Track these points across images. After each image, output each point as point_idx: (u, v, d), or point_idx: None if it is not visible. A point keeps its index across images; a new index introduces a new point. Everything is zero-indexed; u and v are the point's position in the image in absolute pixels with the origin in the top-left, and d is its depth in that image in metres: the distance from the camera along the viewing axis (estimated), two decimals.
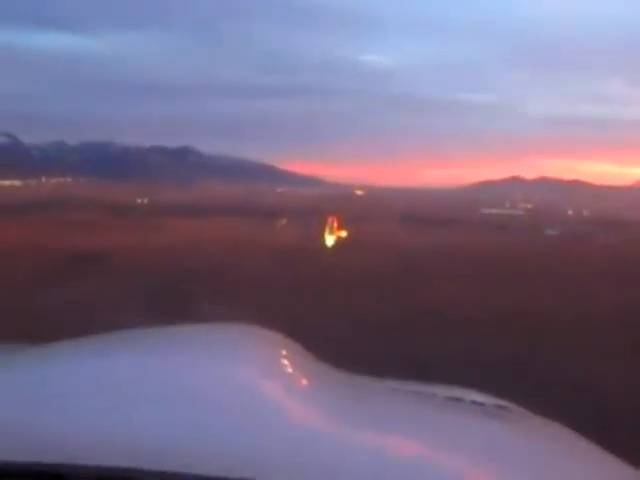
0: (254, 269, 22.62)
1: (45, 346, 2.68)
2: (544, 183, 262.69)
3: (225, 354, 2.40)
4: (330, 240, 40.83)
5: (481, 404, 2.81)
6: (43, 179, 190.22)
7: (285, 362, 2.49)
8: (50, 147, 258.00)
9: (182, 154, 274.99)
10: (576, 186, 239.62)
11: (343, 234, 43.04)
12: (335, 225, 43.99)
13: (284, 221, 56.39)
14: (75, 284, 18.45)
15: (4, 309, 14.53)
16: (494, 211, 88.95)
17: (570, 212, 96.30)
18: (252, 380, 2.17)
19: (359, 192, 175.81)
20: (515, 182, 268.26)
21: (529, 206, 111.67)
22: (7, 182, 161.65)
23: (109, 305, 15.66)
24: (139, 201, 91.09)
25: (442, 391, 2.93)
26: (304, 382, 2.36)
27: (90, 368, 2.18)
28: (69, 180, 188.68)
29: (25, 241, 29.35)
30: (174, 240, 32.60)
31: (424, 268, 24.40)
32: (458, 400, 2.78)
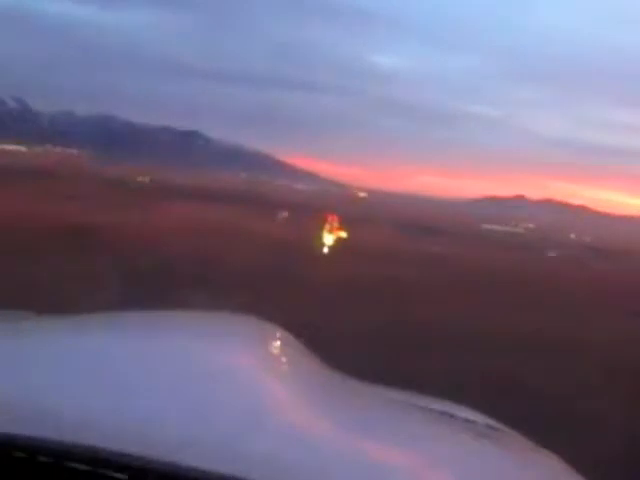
0: (241, 260, 22.00)
1: (49, 319, 2.81)
2: (549, 205, 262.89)
3: (222, 343, 2.43)
4: (328, 239, 40.28)
5: (473, 422, 2.78)
6: (48, 147, 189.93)
7: (280, 355, 2.57)
8: (59, 116, 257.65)
9: (189, 137, 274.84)
10: (581, 211, 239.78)
11: (342, 235, 42.53)
12: (335, 225, 43.45)
13: (284, 214, 56.12)
14: (45, 257, 17.87)
15: None
16: (496, 227, 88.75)
17: (573, 236, 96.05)
18: (246, 372, 2.19)
19: (361, 194, 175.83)
20: (520, 201, 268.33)
21: (532, 226, 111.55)
22: (12, 147, 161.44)
23: (76, 281, 15.17)
24: (140, 179, 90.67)
25: (434, 405, 2.87)
26: (297, 378, 2.36)
27: (85, 347, 2.20)
28: (73, 151, 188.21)
29: (13, 209, 28.79)
30: (167, 222, 32.01)
31: (413, 277, 23.89)
32: (451, 416, 2.74)
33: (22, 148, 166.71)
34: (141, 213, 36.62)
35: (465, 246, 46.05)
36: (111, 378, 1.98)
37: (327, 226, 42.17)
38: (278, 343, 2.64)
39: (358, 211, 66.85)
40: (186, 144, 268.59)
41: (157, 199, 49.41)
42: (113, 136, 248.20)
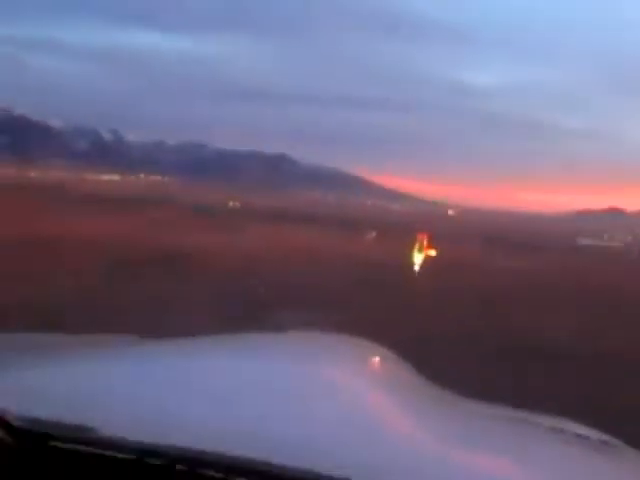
0: (331, 282, 21.95)
1: (153, 342, 2.95)
2: None
3: (327, 361, 2.55)
4: (418, 258, 39.87)
5: (585, 437, 2.73)
6: (141, 176, 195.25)
7: (381, 371, 2.65)
8: (150, 145, 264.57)
9: (278, 161, 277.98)
10: None
11: (432, 253, 42.02)
12: (425, 243, 42.98)
13: (373, 234, 55.97)
14: (141, 282, 18.17)
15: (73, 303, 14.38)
16: (591, 242, 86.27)
17: None
18: (351, 388, 2.29)
19: (451, 212, 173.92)
20: (615, 213, 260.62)
21: (630, 238, 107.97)
22: (106, 176, 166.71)
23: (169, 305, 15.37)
24: (230, 204, 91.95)
25: (546, 421, 2.87)
26: (404, 396, 2.39)
27: (196, 369, 2.33)
28: (165, 179, 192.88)
29: (110, 235, 29.55)
30: (257, 246, 32.34)
31: (506, 295, 23.27)
32: (562, 431, 2.71)
33: (116, 177, 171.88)
34: (233, 237, 37.10)
35: (560, 262, 44.87)
36: (223, 396, 2.09)
37: (417, 245, 41.76)
38: (378, 360, 2.74)
39: (451, 229, 66.07)
40: (275, 168, 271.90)
41: (248, 223, 50.00)
42: (203, 163, 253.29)
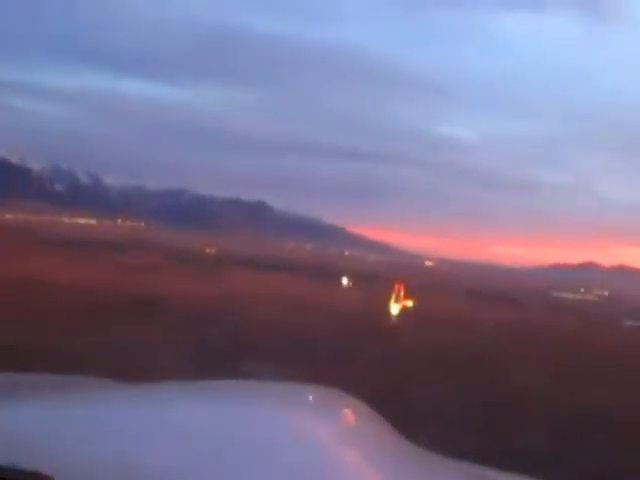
0: (304, 330, 21.48)
1: (128, 386, 2.87)
2: (622, 271, 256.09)
3: (303, 413, 2.54)
4: (395, 309, 39.52)
5: None
6: (119, 220, 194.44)
7: (359, 427, 2.61)
8: (129, 190, 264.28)
9: (256, 208, 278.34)
10: None
11: (409, 304, 41.71)
12: (401, 293, 42.68)
13: (349, 283, 55.83)
14: (113, 328, 17.68)
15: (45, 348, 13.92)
16: (567, 295, 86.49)
17: None
18: (326, 441, 2.27)
19: (428, 263, 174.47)
20: (591, 267, 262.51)
21: (605, 293, 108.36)
22: (83, 220, 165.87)
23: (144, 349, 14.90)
24: (207, 251, 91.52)
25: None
26: (379, 453, 2.36)
27: (169, 415, 2.29)
28: (143, 224, 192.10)
29: (85, 279, 29.08)
30: (228, 293, 31.84)
31: (483, 350, 22.82)
32: None
33: (92, 221, 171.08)
34: (206, 284, 36.61)
35: (535, 314, 44.71)
36: (196, 445, 2.06)
37: (393, 295, 41.46)
38: (358, 415, 2.70)
39: (428, 280, 65.92)
40: (253, 215, 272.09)
41: (223, 270, 49.54)
42: (182, 209, 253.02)
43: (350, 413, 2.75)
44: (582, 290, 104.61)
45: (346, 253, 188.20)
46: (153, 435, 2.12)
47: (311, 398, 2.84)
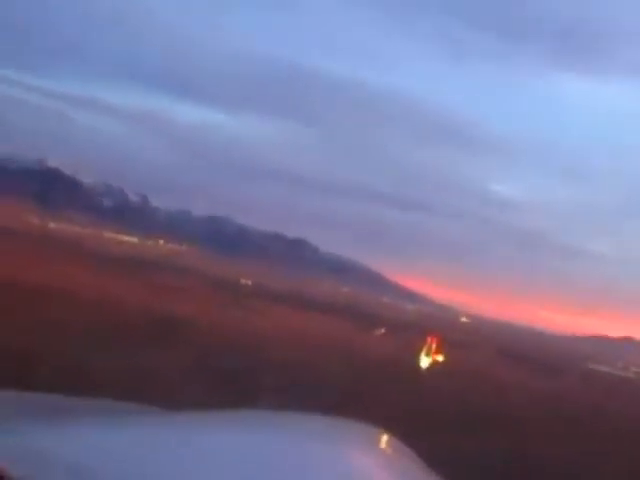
0: (330, 377, 20.74)
1: (172, 414, 3.05)
2: None
3: (335, 446, 2.55)
4: (425, 362, 38.59)
5: None
6: (161, 242, 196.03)
7: (389, 461, 2.65)
8: (176, 213, 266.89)
9: (297, 245, 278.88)
10: None
11: (440, 358, 40.75)
12: (433, 347, 41.73)
13: (382, 330, 55.16)
14: (137, 351, 17.26)
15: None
16: (604, 368, 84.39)
17: None
18: (357, 476, 2.32)
19: (464, 319, 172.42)
20: (629, 342, 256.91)
21: None
22: (124, 237, 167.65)
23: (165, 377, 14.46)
24: (243, 282, 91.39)
25: None
26: None
27: (213, 444, 2.29)
28: (184, 247, 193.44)
29: (111, 295, 28.88)
30: (258, 326, 31.30)
31: (508, 416, 21.85)
32: None
33: (135, 239, 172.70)
34: (237, 315, 36.23)
35: (568, 384, 43.32)
36: (227, 475, 2.11)
37: (425, 348, 40.59)
38: (389, 450, 2.75)
39: (461, 336, 64.71)
40: (293, 252, 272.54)
41: (256, 302, 49.17)
42: (224, 237, 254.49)
43: (386, 448, 2.79)
44: (620, 365, 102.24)
45: (382, 299, 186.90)
46: (182, 464, 2.12)
47: (340, 431, 2.87)
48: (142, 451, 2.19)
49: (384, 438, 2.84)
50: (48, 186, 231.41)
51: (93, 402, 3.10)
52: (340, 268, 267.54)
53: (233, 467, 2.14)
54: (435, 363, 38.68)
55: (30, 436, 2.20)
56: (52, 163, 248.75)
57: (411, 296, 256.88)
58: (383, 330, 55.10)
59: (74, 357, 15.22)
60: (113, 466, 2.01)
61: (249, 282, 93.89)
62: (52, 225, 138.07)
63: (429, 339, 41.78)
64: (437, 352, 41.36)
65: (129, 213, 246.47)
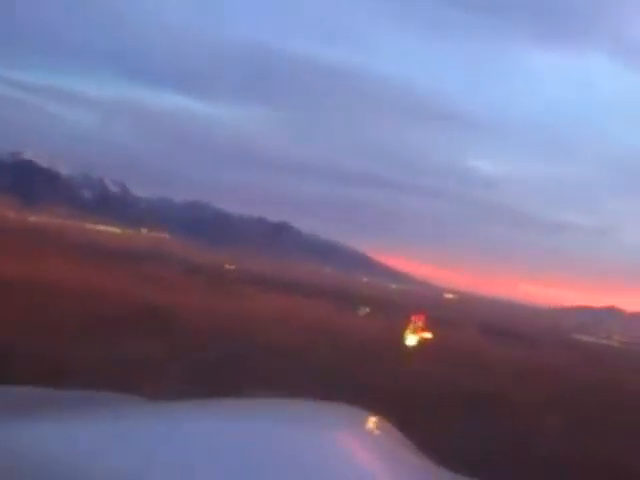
0: (311, 354, 20.85)
1: (154, 404, 3.06)
2: None
3: (326, 430, 2.59)
4: (411, 340, 38.77)
5: None
6: (143, 230, 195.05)
7: (379, 444, 2.68)
8: (156, 201, 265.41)
9: (279, 229, 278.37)
10: None
11: (426, 336, 40.92)
12: (419, 325, 41.88)
13: (366, 310, 55.21)
14: (123, 339, 17.30)
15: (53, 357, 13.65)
16: (587, 339, 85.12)
17: None
18: (347, 458, 2.35)
19: (449, 295, 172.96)
20: (612, 312, 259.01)
21: (625, 340, 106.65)
22: (107, 227, 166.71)
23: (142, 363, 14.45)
24: (227, 267, 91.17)
25: None
26: (394, 466, 2.46)
27: (192, 431, 2.29)
28: (167, 235, 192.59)
29: (94, 286, 28.79)
30: (243, 309, 31.33)
31: (496, 388, 22.02)
32: None
33: (117, 230, 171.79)
34: (222, 299, 36.20)
35: (553, 356, 43.68)
36: (218, 462, 2.10)
37: (410, 326, 40.74)
38: (377, 432, 2.76)
39: (446, 313, 64.99)
40: (276, 235, 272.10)
41: (240, 286, 49.14)
42: (207, 224, 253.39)
43: (374, 431, 2.80)
44: (603, 334, 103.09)
45: (365, 279, 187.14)
46: (175, 452, 2.11)
47: (329, 414, 2.90)
48: (130, 441, 2.20)
49: (372, 420, 2.86)
50: (24, 179, 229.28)
51: (75, 393, 3.08)
52: (323, 250, 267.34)
53: (222, 454, 2.16)
54: (421, 340, 38.84)
55: (11, 430, 2.18)
56: (27, 156, 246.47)
57: (395, 275, 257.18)
58: (368, 309, 55.15)
59: (61, 347, 15.23)
60: (100, 461, 2.01)
61: (232, 267, 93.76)
62: (32, 218, 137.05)
63: (414, 317, 41.93)
64: (422, 330, 41.52)
65: (109, 203, 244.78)
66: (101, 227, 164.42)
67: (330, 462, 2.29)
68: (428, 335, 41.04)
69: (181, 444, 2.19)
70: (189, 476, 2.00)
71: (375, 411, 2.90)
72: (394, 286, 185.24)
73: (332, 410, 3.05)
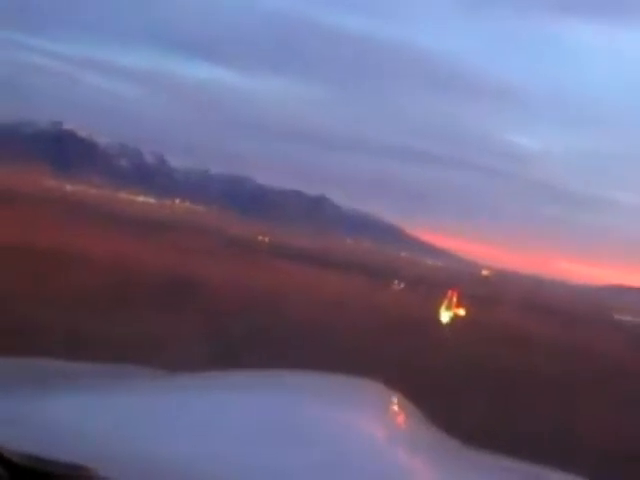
0: (340, 330, 20.07)
1: (167, 375, 3.04)
2: None
3: (344, 406, 2.60)
4: (445, 316, 37.92)
5: None
6: (177, 201, 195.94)
7: (398, 421, 2.75)
8: (193, 173, 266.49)
9: (317, 202, 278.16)
10: None
11: (461, 312, 40.12)
12: (454, 301, 41.06)
13: (401, 286, 54.72)
14: (129, 307, 16.85)
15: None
16: (629, 318, 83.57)
17: None
18: (366, 436, 2.36)
19: (485, 272, 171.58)
20: None
21: None
22: (142, 197, 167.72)
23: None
24: (260, 239, 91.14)
25: (556, 477, 2.93)
26: (413, 444, 2.44)
27: (213, 404, 2.32)
28: (201, 207, 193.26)
29: (132, 257, 28.56)
30: (272, 284, 30.59)
31: (529, 368, 21.13)
32: None
33: (152, 200, 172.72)
34: (258, 273, 35.66)
35: (592, 337, 42.39)
36: (236, 435, 2.08)
37: (445, 302, 39.94)
38: (397, 409, 2.78)
39: (483, 290, 63.95)
40: (314, 209, 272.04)
41: (272, 259, 48.70)
42: (244, 196, 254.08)
43: (390, 407, 2.81)
44: None
45: (402, 254, 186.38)
46: (195, 426, 2.11)
47: (349, 390, 2.88)
48: (144, 414, 2.18)
49: (389, 396, 2.87)
50: (64, 149, 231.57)
51: (91, 366, 3.09)
52: (360, 224, 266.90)
53: (236, 428, 2.12)
54: (455, 316, 38.05)
55: (21, 404, 2.16)
56: (67, 126, 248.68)
57: (431, 250, 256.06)
58: (402, 285, 54.73)
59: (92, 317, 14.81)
60: (112, 436, 1.96)
61: (266, 239, 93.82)
62: (69, 187, 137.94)
63: (450, 293, 41.14)
64: (457, 306, 40.73)
65: (146, 173, 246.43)
66: (137, 197, 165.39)
67: (345, 438, 2.25)
68: (464, 311, 40.29)
69: (197, 416, 2.18)
70: (206, 448, 1.97)
71: (400, 383, 2.75)
72: (430, 261, 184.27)
73: (348, 384, 3.04)
